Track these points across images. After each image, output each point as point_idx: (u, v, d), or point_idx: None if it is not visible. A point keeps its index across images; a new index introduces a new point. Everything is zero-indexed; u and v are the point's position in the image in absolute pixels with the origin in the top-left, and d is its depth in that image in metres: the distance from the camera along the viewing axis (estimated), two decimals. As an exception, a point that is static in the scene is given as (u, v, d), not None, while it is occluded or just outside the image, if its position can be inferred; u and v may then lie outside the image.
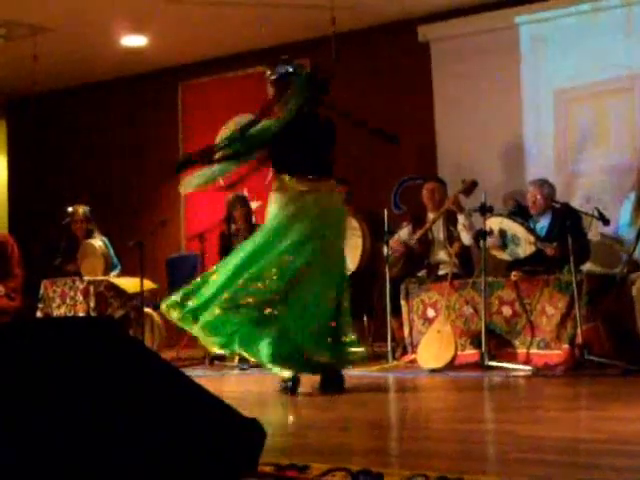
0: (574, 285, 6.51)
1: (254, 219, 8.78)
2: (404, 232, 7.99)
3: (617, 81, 8.64)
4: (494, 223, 7.12)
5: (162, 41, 10.08)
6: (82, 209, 9.16)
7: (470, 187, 7.52)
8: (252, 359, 5.86)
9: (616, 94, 8.68)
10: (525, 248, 7.02)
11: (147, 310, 8.68)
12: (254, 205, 9.19)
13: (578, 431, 3.89)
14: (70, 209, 9.21)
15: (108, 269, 8.90)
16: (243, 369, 7.61)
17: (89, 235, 9.08)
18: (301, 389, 5.63)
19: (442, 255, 7.85)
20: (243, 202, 8.65)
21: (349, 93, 10.00)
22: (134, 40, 10.07)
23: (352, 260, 8.10)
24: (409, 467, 3.05)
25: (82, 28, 9.52)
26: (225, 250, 8.65)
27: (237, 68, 10.65)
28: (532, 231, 7.05)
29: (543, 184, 7.46)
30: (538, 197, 7.35)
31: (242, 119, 6.08)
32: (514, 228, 7.06)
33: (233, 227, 8.63)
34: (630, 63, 8.54)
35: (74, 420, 2.12)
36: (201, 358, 8.36)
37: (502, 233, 7.11)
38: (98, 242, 8.99)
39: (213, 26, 9.63)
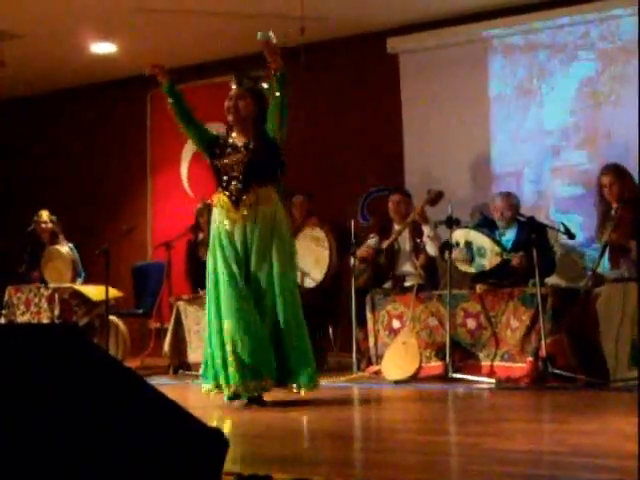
0: (539, 298, 6.53)
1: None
2: (372, 243, 7.99)
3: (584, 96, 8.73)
4: (460, 236, 7.14)
5: (132, 49, 10.05)
6: (46, 213, 9.13)
7: (436, 197, 7.54)
8: None
9: (582, 110, 8.75)
10: (491, 259, 7.04)
11: (112, 318, 8.64)
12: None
13: (541, 444, 3.91)
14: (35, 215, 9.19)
15: (75, 276, 8.87)
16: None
17: (54, 239, 9.05)
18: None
19: (408, 267, 7.86)
20: (211, 211, 8.59)
21: (317, 104, 10.03)
22: (103, 47, 10.03)
23: (319, 271, 8.12)
24: (372, 478, 3.04)
25: (51, 35, 9.48)
26: (191, 258, 8.64)
27: (206, 77, 10.63)
28: (498, 242, 7.08)
29: (509, 195, 7.52)
30: (505, 208, 7.38)
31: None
32: (480, 239, 7.09)
33: (200, 236, 8.60)
34: (597, 78, 8.62)
35: (32, 429, 2.11)
36: (165, 367, 8.33)
37: (468, 245, 7.13)
38: (65, 248, 8.96)
39: (182, 35, 9.62)
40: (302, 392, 5.57)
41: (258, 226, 5.64)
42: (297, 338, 5.61)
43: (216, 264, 5.71)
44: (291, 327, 5.58)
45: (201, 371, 5.90)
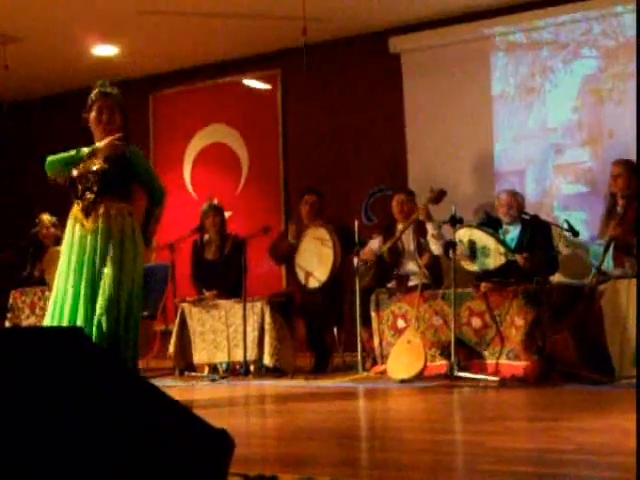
0: (542, 297, 6.53)
1: (227, 229, 8.77)
2: (375, 243, 8.00)
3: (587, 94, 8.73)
4: (464, 234, 7.14)
5: (133, 51, 10.06)
6: (47, 216, 9.15)
7: (439, 196, 7.52)
8: None
9: (585, 107, 8.75)
10: (495, 259, 7.04)
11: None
12: (226, 215, 9.18)
13: (546, 442, 3.90)
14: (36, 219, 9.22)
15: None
16: (213, 380, 7.60)
17: (57, 243, 9.07)
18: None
19: (412, 266, 7.86)
20: (216, 211, 8.65)
21: (320, 104, 10.03)
22: (105, 50, 10.04)
23: (323, 271, 8.11)
24: (378, 478, 3.04)
25: (53, 37, 9.49)
26: (196, 260, 8.66)
27: (208, 79, 10.64)
28: (502, 242, 7.07)
29: (515, 193, 7.54)
30: (510, 204, 7.38)
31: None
32: (484, 239, 7.08)
33: (205, 236, 8.62)
34: (600, 76, 8.62)
35: (38, 430, 2.11)
36: (170, 369, 8.33)
37: (471, 244, 7.12)
38: (67, 250, 8.98)
39: (184, 37, 9.63)
40: None
41: (107, 236, 5.46)
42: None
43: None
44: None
45: None
